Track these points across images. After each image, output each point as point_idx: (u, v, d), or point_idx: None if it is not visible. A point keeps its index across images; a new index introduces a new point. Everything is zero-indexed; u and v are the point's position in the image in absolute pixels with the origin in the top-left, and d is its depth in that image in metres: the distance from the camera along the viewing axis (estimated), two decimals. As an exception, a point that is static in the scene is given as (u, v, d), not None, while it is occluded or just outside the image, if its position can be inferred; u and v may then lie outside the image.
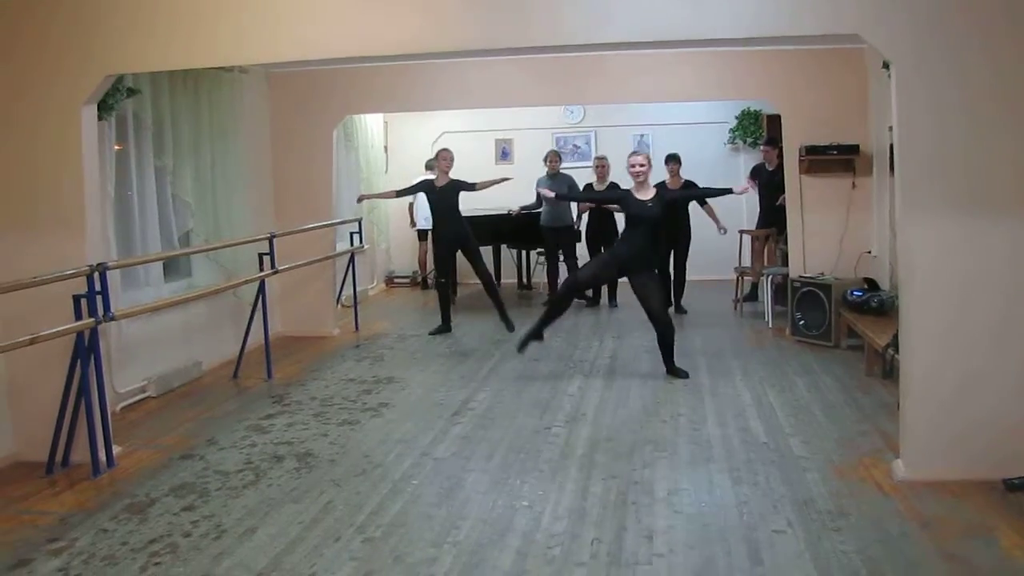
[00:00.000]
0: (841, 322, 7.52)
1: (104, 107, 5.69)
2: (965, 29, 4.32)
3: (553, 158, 10.44)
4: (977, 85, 4.34)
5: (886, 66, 5.32)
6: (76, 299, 4.82)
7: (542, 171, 10.35)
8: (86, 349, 4.92)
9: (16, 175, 5.08)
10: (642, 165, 6.80)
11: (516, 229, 10.88)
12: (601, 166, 10.11)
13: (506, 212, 10.60)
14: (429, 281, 12.30)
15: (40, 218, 5.07)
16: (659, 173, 8.59)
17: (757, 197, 9.95)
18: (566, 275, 9.53)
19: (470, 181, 8.59)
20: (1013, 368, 4.42)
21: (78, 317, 4.83)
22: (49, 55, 4.99)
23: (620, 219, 8.65)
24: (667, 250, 9.65)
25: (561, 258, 10.42)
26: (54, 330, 4.64)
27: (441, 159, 8.65)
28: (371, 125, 11.39)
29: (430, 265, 12.22)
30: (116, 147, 6.44)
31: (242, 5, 4.93)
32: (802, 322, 7.93)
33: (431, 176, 9.20)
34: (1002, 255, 4.39)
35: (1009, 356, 4.42)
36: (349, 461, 5.09)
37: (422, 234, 12.01)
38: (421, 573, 3.65)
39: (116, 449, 5.21)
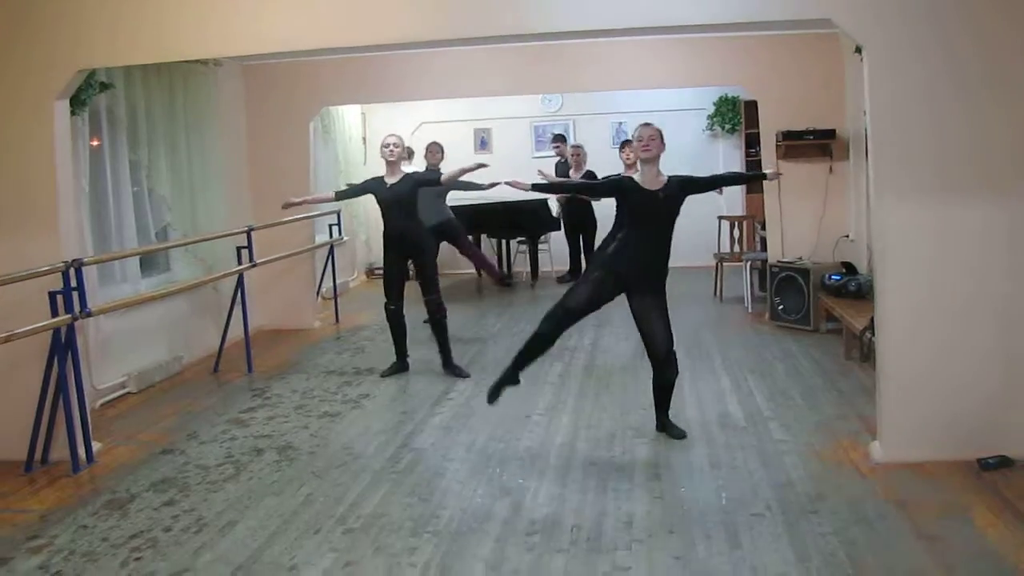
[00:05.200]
0: (820, 306, 7.57)
1: (77, 102, 5.65)
2: (936, 13, 4.35)
3: (433, 150, 9.05)
4: (948, 70, 4.37)
5: (859, 51, 5.35)
6: (52, 296, 4.79)
7: (526, 160, 10.21)
8: (63, 346, 4.89)
9: (-12, 172, 5.04)
10: (652, 138, 4.80)
11: (496, 218, 10.69)
12: (577, 154, 10.14)
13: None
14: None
15: (13, 215, 5.03)
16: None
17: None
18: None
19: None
20: (983, 349, 4.48)
21: (54, 314, 4.79)
22: (19, 50, 4.94)
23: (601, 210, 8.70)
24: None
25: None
26: (30, 327, 4.60)
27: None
28: (348, 117, 11.34)
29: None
30: (94, 143, 6.39)
31: (213, -3, 4.90)
32: (781, 307, 7.98)
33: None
34: (972, 237, 4.44)
35: (979, 337, 4.48)
36: (329, 453, 5.10)
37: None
38: (402, 563, 3.66)
39: (96, 445, 5.19)
